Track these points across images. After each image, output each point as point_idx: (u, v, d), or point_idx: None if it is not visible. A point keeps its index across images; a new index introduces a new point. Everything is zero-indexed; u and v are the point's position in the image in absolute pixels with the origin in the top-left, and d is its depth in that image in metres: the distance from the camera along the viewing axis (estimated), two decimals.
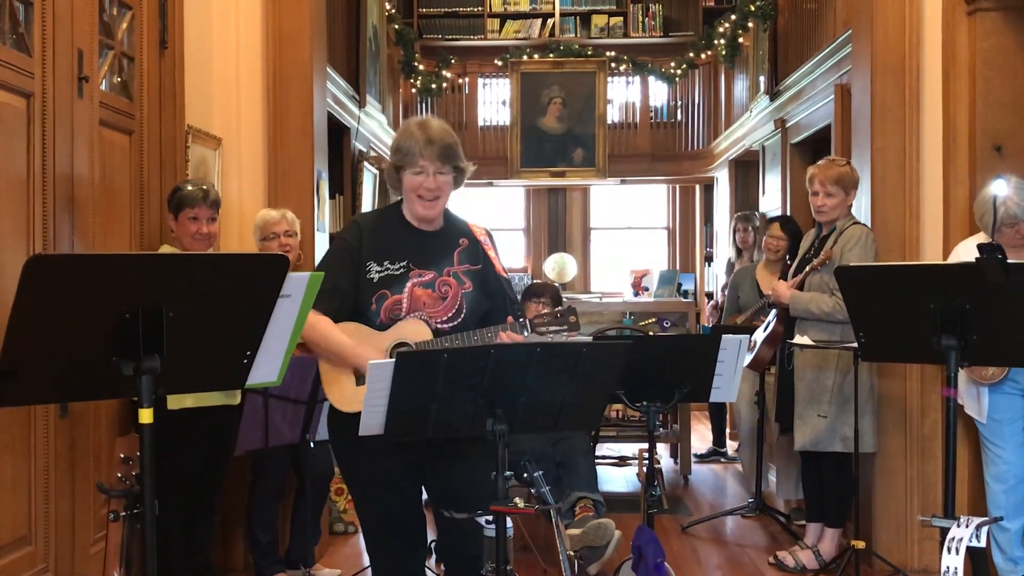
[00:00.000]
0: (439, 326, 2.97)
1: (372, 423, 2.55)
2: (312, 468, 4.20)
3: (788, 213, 7.12)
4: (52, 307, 1.99)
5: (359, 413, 2.61)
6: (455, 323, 2.99)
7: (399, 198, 3.10)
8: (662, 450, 7.54)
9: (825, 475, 4.76)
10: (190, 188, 3.95)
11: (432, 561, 4.49)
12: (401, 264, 2.98)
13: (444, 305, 2.98)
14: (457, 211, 3.20)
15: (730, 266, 7.74)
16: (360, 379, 2.92)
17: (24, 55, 3.18)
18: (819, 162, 4.72)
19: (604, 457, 7.08)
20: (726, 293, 7.03)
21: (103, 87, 3.77)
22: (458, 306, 2.99)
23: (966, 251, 4.24)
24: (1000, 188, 3.89)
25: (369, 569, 4.51)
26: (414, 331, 2.94)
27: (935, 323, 2.88)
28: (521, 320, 2.96)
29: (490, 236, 3.16)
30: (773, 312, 4.96)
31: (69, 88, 3.40)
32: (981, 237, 4.24)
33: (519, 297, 5.48)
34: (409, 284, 2.96)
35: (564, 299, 5.93)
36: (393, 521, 3.03)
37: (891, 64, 4.78)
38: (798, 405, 4.69)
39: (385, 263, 2.97)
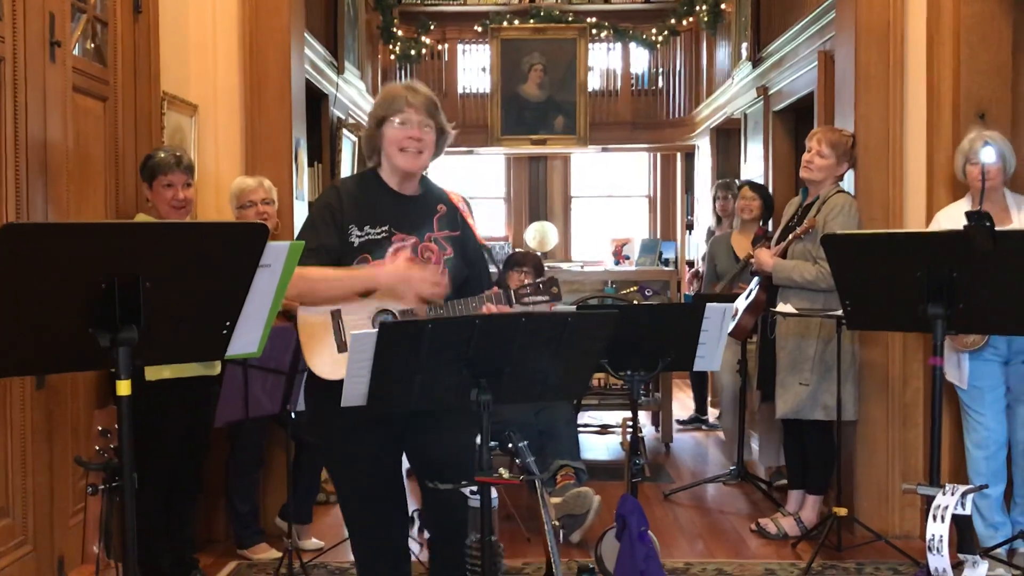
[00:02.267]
0: None
1: (354, 394, 2.52)
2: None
3: (770, 181, 7.11)
4: (26, 277, 1.94)
5: (338, 384, 2.57)
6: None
7: (373, 166, 3.06)
8: (643, 418, 7.54)
9: (807, 443, 4.77)
10: (162, 155, 3.89)
11: (415, 531, 4.49)
12: (383, 229, 2.94)
13: None
14: (437, 179, 3.17)
15: (710, 234, 7.72)
16: (342, 346, 2.89)
17: None
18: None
19: (586, 425, 7.08)
20: (704, 262, 7.04)
21: (76, 52, 3.69)
22: (441, 271, 2.96)
23: (946, 218, 4.24)
24: (988, 156, 3.88)
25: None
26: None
27: (922, 291, 2.87)
28: (505, 289, 2.93)
29: (467, 204, 3.13)
30: (755, 280, 4.95)
31: (41, 53, 3.32)
32: (962, 204, 4.24)
33: (501, 267, 5.45)
34: (391, 249, 2.93)
35: (546, 268, 5.91)
36: (373, 493, 3.00)
37: (875, 30, 4.75)
38: (780, 373, 4.69)
39: (366, 227, 2.94)
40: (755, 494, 5.62)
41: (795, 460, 4.90)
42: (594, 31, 10.46)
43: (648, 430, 7.33)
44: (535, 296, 2.95)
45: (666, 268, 8.35)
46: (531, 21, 10.42)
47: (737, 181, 7.54)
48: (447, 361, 2.49)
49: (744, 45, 8.02)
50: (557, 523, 4.52)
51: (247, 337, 2.37)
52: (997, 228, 2.79)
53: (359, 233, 2.93)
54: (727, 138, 9.27)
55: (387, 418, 2.87)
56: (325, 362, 2.90)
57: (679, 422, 7.58)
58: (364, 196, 3.01)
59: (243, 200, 4.41)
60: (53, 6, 3.39)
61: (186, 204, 3.90)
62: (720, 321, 3.84)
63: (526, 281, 5.21)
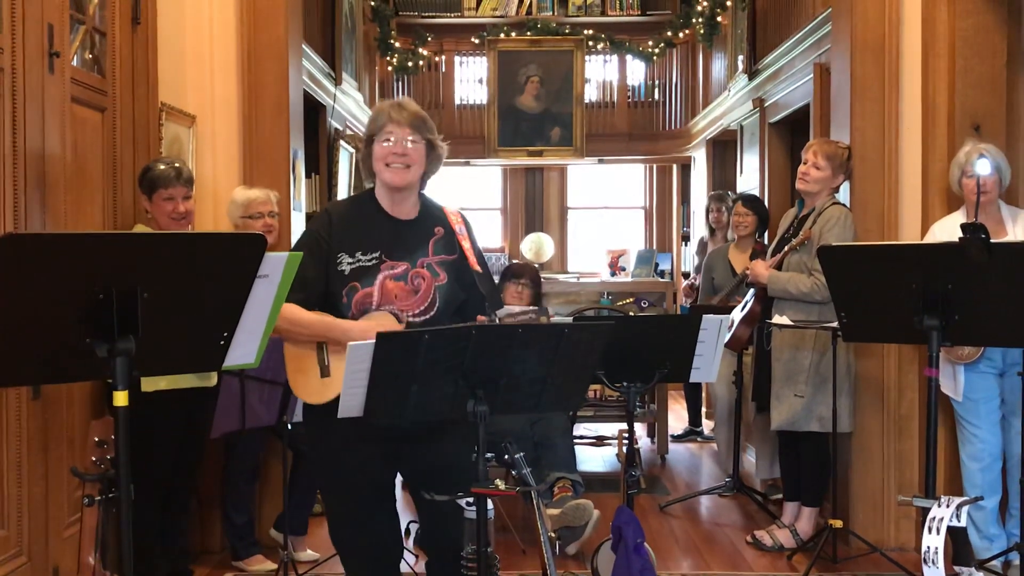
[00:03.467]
0: (411, 319, 2.91)
1: (351, 405, 2.52)
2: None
3: (766, 193, 7.12)
4: (24, 287, 1.94)
5: (333, 401, 2.57)
6: (428, 316, 2.93)
7: (372, 186, 3.05)
8: (639, 430, 7.53)
9: (803, 454, 4.77)
10: (162, 167, 3.88)
11: (410, 542, 4.48)
12: (373, 256, 2.92)
13: (416, 298, 2.92)
14: (434, 191, 3.15)
15: (702, 245, 7.71)
16: (324, 371, 2.88)
17: None
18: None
19: (582, 437, 7.08)
20: (700, 275, 7.05)
21: (74, 63, 3.70)
22: (431, 299, 2.94)
23: (942, 230, 4.26)
24: (983, 168, 3.90)
25: None
26: (382, 325, 2.88)
27: (917, 303, 2.88)
28: (491, 317, 2.90)
29: (466, 223, 3.09)
30: (751, 292, 4.96)
31: (40, 64, 3.32)
32: (957, 217, 4.26)
33: (498, 279, 5.45)
34: (380, 277, 2.90)
35: (542, 279, 5.92)
36: (363, 509, 2.99)
37: (871, 43, 4.77)
38: (775, 385, 4.69)
39: (357, 254, 2.91)
40: (751, 506, 5.62)
41: (791, 472, 4.90)
42: (591, 43, 10.47)
43: (643, 442, 7.33)
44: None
45: (662, 280, 8.35)
46: (528, 33, 10.44)
47: (731, 193, 7.55)
48: (443, 372, 2.49)
49: (740, 57, 8.05)
50: (553, 534, 4.51)
51: (245, 348, 2.37)
52: (992, 240, 2.81)
53: (350, 260, 2.91)
54: (723, 150, 9.28)
55: (381, 433, 2.86)
56: (310, 387, 2.90)
57: (673, 437, 7.56)
58: (358, 220, 2.99)
59: (251, 211, 4.41)
60: (52, 17, 3.39)
61: (186, 216, 3.90)
62: (716, 333, 3.85)
63: (524, 295, 5.26)
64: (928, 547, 2.68)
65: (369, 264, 2.91)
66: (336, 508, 3.07)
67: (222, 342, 2.26)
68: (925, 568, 2.69)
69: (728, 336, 4.90)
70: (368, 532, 3.01)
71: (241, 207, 4.43)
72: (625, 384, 3.82)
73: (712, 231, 7.35)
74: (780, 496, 5.21)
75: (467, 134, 10.46)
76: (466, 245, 3.01)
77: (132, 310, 2.05)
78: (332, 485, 3.07)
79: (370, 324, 2.82)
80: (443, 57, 10.89)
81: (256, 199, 4.43)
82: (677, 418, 8.18)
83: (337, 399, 2.57)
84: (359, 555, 3.04)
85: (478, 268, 2.98)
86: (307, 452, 3.14)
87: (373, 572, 3.07)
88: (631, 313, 6.88)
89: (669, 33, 10.32)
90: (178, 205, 3.85)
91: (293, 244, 3.10)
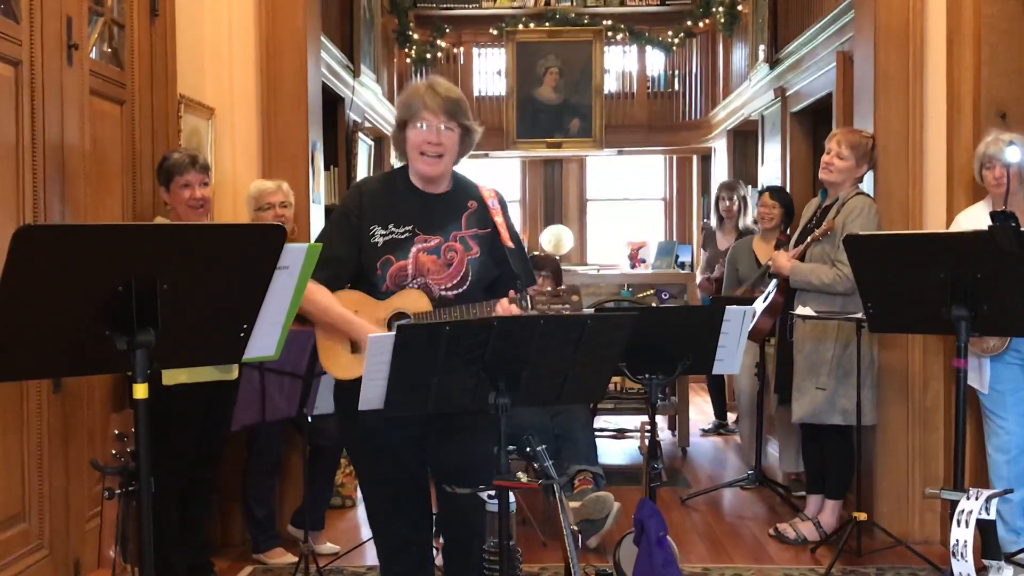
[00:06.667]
0: (443, 293, 2.90)
1: (372, 397, 2.51)
2: (328, 433, 4.21)
3: (788, 183, 7.06)
4: (43, 279, 1.92)
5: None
6: (460, 290, 2.92)
7: (404, 163, 3.03)
8: (660, 422, 7.50)
9: (825, 447, 4.73)
10: (177, 156, 3.89)
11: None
12: (406, 228, 2.91)
13: (449, 272, 2.92)
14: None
15: (709, 233, 7.64)
16: (355, 347, 2.88)
17: (12, 21, 3.10)
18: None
19: (602, 430, 7.05)
20: (708, 263, 7.02)
21: (93, 55, 3.70)
22: (463, 273, 2.93)
23: (967, 220, 4.20)
24: (1014, 155, 3.83)
25: (367, 544, 4.51)
26: (413, 302, 2.88)
27: (945, 293, 2.84)
28: (522, 293, 2.89)
29: (501, 200, 3.07)
30: (773, 282, 4.92)
31: (58, 56, 3.32)
32: (982, 207, 4.20)
33: None
34: (414, 250, 2.90)
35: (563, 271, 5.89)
36: (396, 493, 2.99)
37: (894, 31, 4.71)
38: (797, 377, 4.65)
39: (390, 227, 2.91)
40: (773, 499, 5.58)
41: (814, 464, 4.86)
42: (610, 34, 10.43)
43: (665, 434, 7.29)
44: (554, 304, 2.91)
45: (682, 271, 8.31)
46: (546, 24, 10.40)
47: (741, 183, 7.50)
48: (465, 364, 2.47)
49: (761, 46, 7.98)
50: (575, 527, 4.49)
51: (265, 340, 2.36)
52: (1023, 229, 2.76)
53: (383, 232, 2.90)
54: (744, 140, 9.22)
55: (410, 421, 2.85)
56: (339, 363, 2.90)
57: (702, 431, 7.55)
58: (390, 194, 2.98)
59: (261, 202, 4.40)
60: (70, 9, 3.39)
61: (204, 203, 3.90)
62: (740, 324, 3.80)
63: (546, 286, 5.22)
64: (957, 540, 2.64)
65: (402, 237, 2.90)
66: (370, 492, 3.08)
67: (242, 334, 2.25)
68: (954, 561, 2.65)
69: (750, 327, 4.86)
70: (401, 516, 3.00)
71: (253, 200, 4.43)
72: (647, 376, 3.78)
73: (721, 220, 7.29)
74: (803, 493, 5.16)
75: (486, 126, 10.26)
76: (499, 220, 2.99)
77: (152, 302, 2.03)
78: (364, 468, 3.06)
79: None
80: (461, 49, 10.86)
81: (265, 190, 4.42)
82: (698, 411, 8.14)
83: None
84: (392, 537, 3.04)
85: (510, 244, 2.97)
86: (340, 436, 3.13)
87: (405, 555, 3.05)
88: (652, 305, 6.83)
89: (689, 22, 10.26)
90: (195, 191, 3.85)
91: (319, 230, 3.08)
